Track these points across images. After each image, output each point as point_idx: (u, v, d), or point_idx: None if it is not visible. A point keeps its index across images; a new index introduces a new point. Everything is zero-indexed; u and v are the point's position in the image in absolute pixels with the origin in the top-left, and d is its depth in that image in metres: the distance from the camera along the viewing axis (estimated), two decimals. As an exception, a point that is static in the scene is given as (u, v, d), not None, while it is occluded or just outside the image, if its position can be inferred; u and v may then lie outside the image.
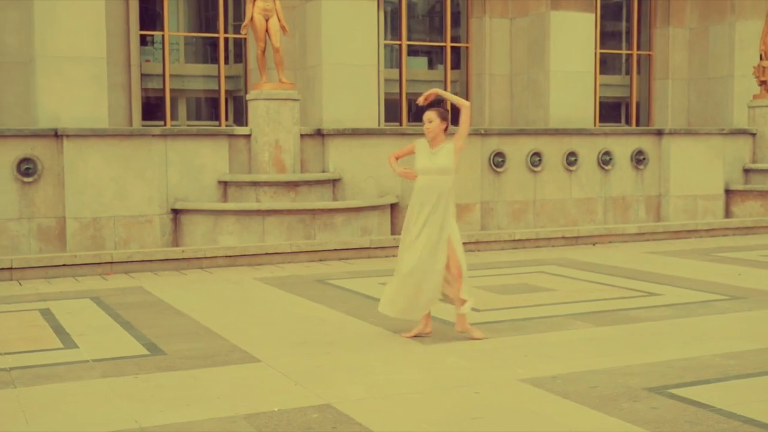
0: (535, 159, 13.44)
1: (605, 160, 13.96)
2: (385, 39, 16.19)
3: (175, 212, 11.37)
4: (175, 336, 6.70)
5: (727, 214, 14.74)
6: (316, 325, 7.17)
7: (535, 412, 4.91)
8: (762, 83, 15.36)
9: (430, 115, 6.63)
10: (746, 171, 15.08)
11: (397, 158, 6.94)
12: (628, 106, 18.38)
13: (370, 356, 6.16)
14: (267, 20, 12.13)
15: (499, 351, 6.30)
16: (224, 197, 11.75)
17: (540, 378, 5.53)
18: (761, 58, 15.39)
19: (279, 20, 12.17)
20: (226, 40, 15.33)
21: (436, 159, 6.64)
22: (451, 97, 7.02)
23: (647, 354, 6.17)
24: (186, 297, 8.42)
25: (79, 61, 12.44)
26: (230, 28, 15.29)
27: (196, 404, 5.02)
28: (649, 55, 18.14)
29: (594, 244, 12.41)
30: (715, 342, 6.48)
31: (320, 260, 10.78)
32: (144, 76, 14.83)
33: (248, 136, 12.04)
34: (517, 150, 13.37)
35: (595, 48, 16.97)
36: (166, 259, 10.12)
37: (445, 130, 6.69)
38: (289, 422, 4.70)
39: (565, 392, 5.23)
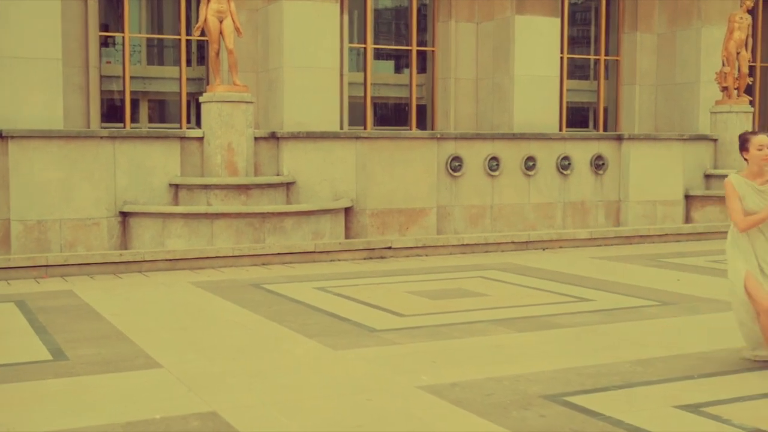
0: (493, 164, 13.38)
1: (564, 165, 13.91)
2: (351, 42, 16.12)
3: (124, 215, 11.29)
4: (85, 341, 6.62)
5: (687, 219, 14.70)
6: (231, 330, 7.10)
7: (421, 420, 4.85)
8: (724, 89, 15.33)
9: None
10: (707, 177, 15.03)
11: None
12: (595, 112, 18.34)
13: (276, 362, 6.09)
14: (221, 22, 12.07)
15: (410, 357, 6.23)
16: (175, 200, 11.67)
17: (439, 385, 5.47)
18: (723, 64, 15.35)
19: (233, 22, 12.10)
20: (189, 42, 15.26)
21: None
22: None
23: (558, 360, 6.11)
24: (112, 301, 8.34)
25: (33, 62, 12.38)
26: (192, 30, 15.23)
27: (80, 412, 4.94)
28: (617, 60, 18.10)
29: (544, 249, 12.34)
30: (629, 349, 6.42)
31: (263, 264, 10.70)
32: (104, 78, 14.76)
33: (201, 138, 11.97)
34: (474, 154, 13.31)
35: (562, 53, 16.95)
36: (104, 263, 10.02)
37: None
38: (167, 430, 4.63)
39: (458, 400, 5.17)
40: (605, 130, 18.09)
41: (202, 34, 12.46)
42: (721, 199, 14.47)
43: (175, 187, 11.66)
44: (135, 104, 15.30)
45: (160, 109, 16.34)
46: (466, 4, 16.44)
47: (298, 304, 8.13)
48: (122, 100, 14.80)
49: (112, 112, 15.03)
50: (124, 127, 14.48)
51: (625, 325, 7.30)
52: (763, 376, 5.68)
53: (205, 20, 12.04)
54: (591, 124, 18.48)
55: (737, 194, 5.84)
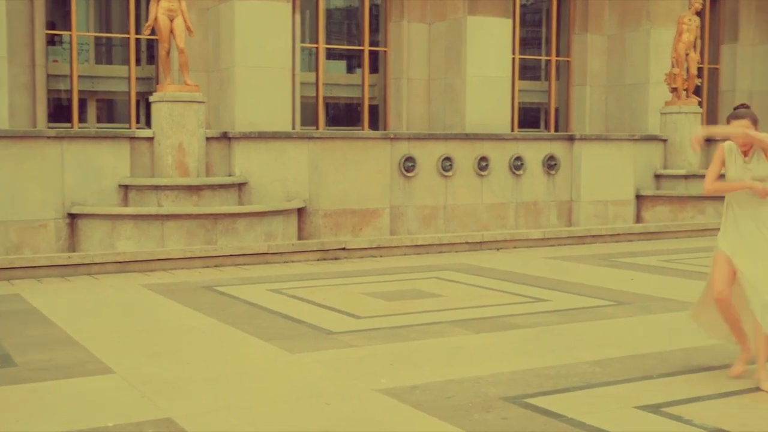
0: (446, 164, 13.36)
1: (517, 165, 13.93)
2: (303, 42, 16.00)
3: (72, 217, 11.04)
4: (34, 346, 6.43)
5: (638, 219, 14.84)
6: (185, 334, 6.96)
7: (380, 423, 4.78)
8: (673, 90, 15.51)
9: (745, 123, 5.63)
10: (657, 177, 15.20)
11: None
12: (547, 112, 18.45)
13: (232, 366, 5.97)
14: (172, 20, 11.86)
15: (368, 359, 6.15)
16: (125, 201, 11.45)
17: (398, 388, 5.40)
18: (672, 66, 15.53)
19: (184, 21, 11.91)
20: (138, 41, 15.02)
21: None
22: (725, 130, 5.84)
23: (517, 362, 6.08)
24: (61, 305, 8.13)
25: (-24, 60, 12.10)
26: (141, 29, 14.99)
27: (29, 420, 4.78)
28: (568, 61, 18.23)
29: (498, 250, 12.35)
30: (586, 349, 6.41)
31: (216, 266, 10.54)
32: (51, 76, 14.47)
33: (151, 138, 11.76)
34: (427, 155, 13.27)
35: (514, 54, 17.01)
36: (52, 266, 9.77)
37: None
38: (120, 437, 4.50)
39: (418, 403, 5.10)
40: (556, 130, 18.21)
41: (152, 33, 12.26)
42: (671, 199, 14.66)
43: (125, 188, 11.44)
44: (83, 104, 15.01)
45: (109, 109, 16.07)
46: (418, 4, 16.42)
47: (253, 307, 8.01)
48: (70, 100, 14.52)
49: (59, 111, 14.74)
50: (72, 127, 14.20)
51: (581, 325, 7.31)
52: (721, 375, 5.70)
53: (156, 19, 11.83)
54: (542, 124, 18.58)
55: (722, 159, 5.73)
